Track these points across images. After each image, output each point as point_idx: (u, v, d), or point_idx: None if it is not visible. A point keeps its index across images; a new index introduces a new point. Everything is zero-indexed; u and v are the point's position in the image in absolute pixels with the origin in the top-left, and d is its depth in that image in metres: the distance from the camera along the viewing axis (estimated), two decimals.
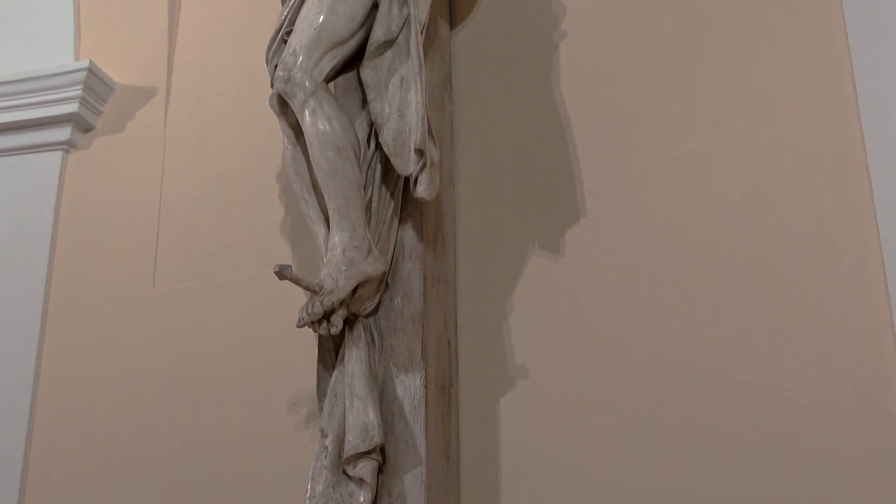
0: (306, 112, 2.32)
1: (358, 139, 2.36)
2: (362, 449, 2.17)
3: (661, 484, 2.16)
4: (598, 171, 2.45)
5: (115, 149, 3.10)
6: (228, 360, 2.70)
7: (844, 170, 2.13)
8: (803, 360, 2.07)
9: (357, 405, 2.19)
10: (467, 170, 2.61)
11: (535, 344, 2.39)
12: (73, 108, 3.07)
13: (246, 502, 2.54)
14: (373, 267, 2.27)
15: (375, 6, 2.42)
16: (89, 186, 3.07)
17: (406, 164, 2.29)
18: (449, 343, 2.42)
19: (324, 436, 2.24)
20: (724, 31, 2.38)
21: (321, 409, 2.30)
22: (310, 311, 2.21)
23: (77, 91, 3.07)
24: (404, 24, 2.39)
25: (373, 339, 2.31)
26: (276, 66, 2.42)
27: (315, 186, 2.38)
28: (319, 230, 2.37)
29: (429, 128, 2.29)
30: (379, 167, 2.38)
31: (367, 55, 2.38)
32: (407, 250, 2.38)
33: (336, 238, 2.27)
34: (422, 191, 2.27)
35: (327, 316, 2.23)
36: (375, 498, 2.19)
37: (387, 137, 2.31)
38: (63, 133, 3.11)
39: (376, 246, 2.30)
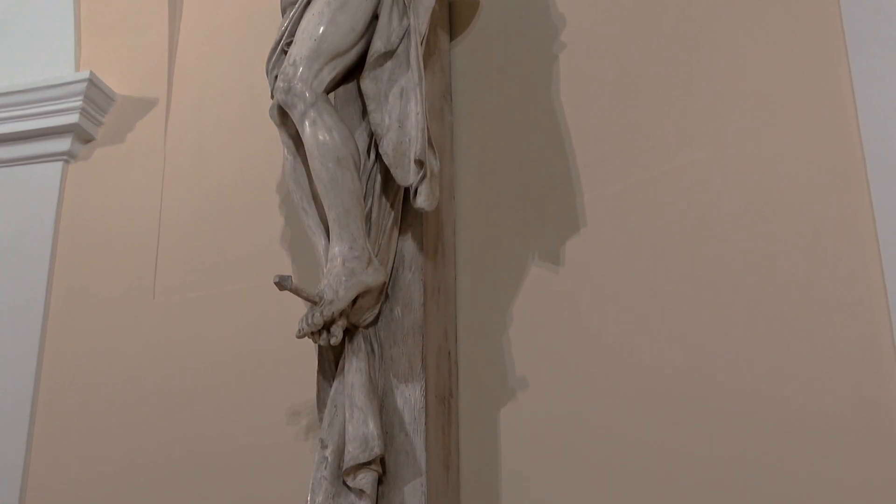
0: (306, 123, 2.33)
1: (358, 150, 2.36)
2: (362, 460, 2.16)
3: (662, 493, 2.16)
4: (597, 182, 2.45)
5: (115, 159, 3.10)
6: (228, 370, 2.69)
7: (843, 180, 2.13)
8: (803, 368, 2.07)
9: (357, 416, 2.19)
10: (467, 180, 2.61)
11: (535, 354, 2.39)
12: (73, 118, 3.08)
13: None
14: (373, 277, 2.27)
15: (375, 17, 2.42)
16: (89, 197, 3.07)
17: (406, 175, 2.29)
18: (449, 354, 2.42)
19: (324, 446, 2.24)
20: (723, 43, 2.39)
21: (321, 419, 2.30)
22: (310, 321, 2.21)
23: (77, 102, 3.08)
24: (404, 35, 2.40)
25: (373, 350, 2.31)
26: (276, 77, 2.43)
27: (315, 197, 2.38)
28: (319, 241, 2.37)
29: (429, 138, 2.29)
30: (379, 178, 2.38)
31: (367, 66, 2.38)
32: (407, 261, 2.38)
33: (336, 249, 2.27)
34: (422, 201, 2.27)
35: (327, 326, 2.23)
36: None
37: (387, 148, 2.32)
38: (63, 144, 3.11)
39: (376, 256, 2.30)
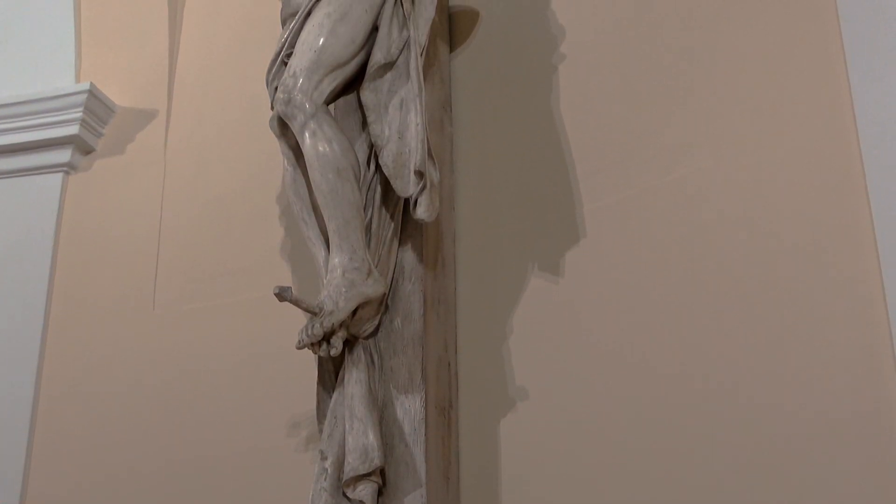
0: (306, 134, 2.33)
1: (358, 161, 2.37)
2: (362, 471, 2.16)
3: (663, 502, 2.15)
4: (597, 193, 2.45)
5: (115, 171, 3.10)
6: (228, 381, 2.69)
7: (842, 187, 2.13)
8: (804, 375, 2.07)
9: (357, 427, 2.19)
10: (467, 191, 2.61)
11: (535, 365, 2.39)
12: (73, 130, 3.08)
13: None
14: (373, 288, 2.27)
15: (375, 29, 2.43)
16: (90, 208, 3.08)
17: (406, 186, 2.30)
18: (449, 365, 2.42)
19: (323, 458, 2.23)
20: (722, 52, 2.39)
21: (321, 431, 2.29)
22: (309, 332, 2.21)
23: (78, 113, 3.08)
24: (404, 46, 2.41)
25: (373, 361, 2.30)
26: (276, 88, 2.43)
27: (315, 208, 2.38)
28: (319, 252, 2.37)
29: (428, 149, 2.29)
30: (379, 189, 2.38)
31: (367, 77, 2.39)
32: (407, 272, 2.38)
33: (336, 260, 2.27)
34: (422, 212, 2.28)
35: (327, 338, 2.23)
36: None
37: (387, 159, 2.32)
38: (63, 155, 3.11)
39: (376, 267, 2.30)
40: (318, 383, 2.35)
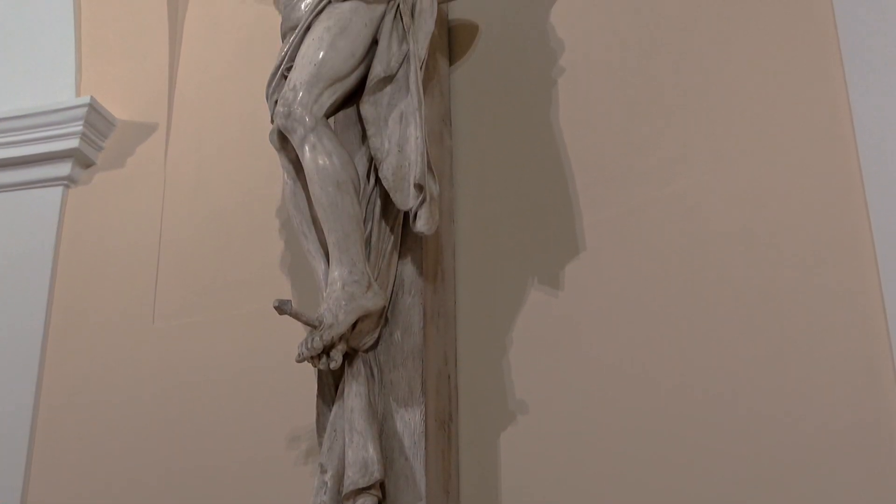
0: (306, 147, 2.33)
1: (357, 174, 2.37)
2: (362, 485, 2.15)
3: None
4: (596, 206, 2.46)
5: (115, 184, 3.11)
6: (228, 395, 2.69)
7: (841, 200, 2.13)
8: (803, 388, 2.07)
9: (357, 440, 2.19)
10: (467, 204, 2.62)
11: (535, 379, 2.39)
12: (73, 143, 3.09)
13: None
14: (372, 301, 2.27)
15: (375, 42, 2.44)
16: (89, 222, 3.08)
17: (406, 199, 2.30)
18: (449, 378, 2.42)
19: (323, 471, 2.23)
20: (721, 66, 2.39)
21: (321, 444, 2.29)
22: (309, 345, 2.21)
23: (78, 127, 3.09)
24: (404, 59, 2.41)
25: (372, 374, 2.30)
26: (276, 101, 2.43)
27: (315, 221, 2.38)
28: (319, 265, 2.37)
29: (428, 163, 2.30)
30: (378, 202, 2.39)
31: (366, 91, 2.39)
32: (406, 285, 2.38)
33: (336, 273, 2.27)
34: (421, 225, 2.28)
35: (327, 351, 2.23)
36: None
37: (386, 172, 2.32)
38: (64, 169, 3.12)
39: (376, 280, 2.31)
40: (317, 396, 2.35)
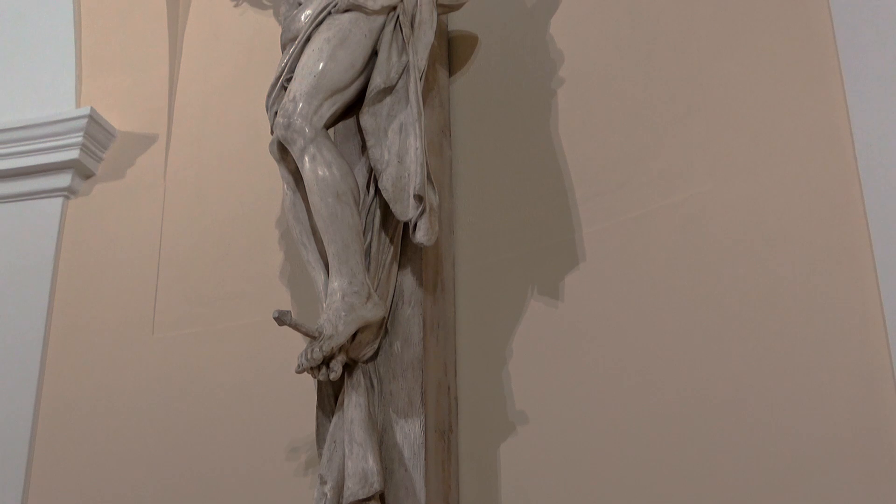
0: (306, 158, 2.33)
1: (357, 185, 2.37)
2: (362, 496, 2.15)
3: None
4: (596, 216, 2.46)
5: (115, 195, 3.11)
6: (227, 405, 2.69)
7: (841, 211, 2.14)
8: (804, 398, 2.07)
9: (356, 451, 2.18)
10: (466, 215, 2.62)
11: (534, 389, 2.39)
12: (73, 154, 3.09)
13: None
14: (372, 312, 2.27)
15: (375, 53, 2.44)
16: (89, 232, 3.08)
17: (405, 210, 2.30)
18: (448, 388, 2.41)
19: (323, 482, 2.23)
20: (720, 77, 2.40)
21: (320, 455, 2.29)
22: (309, 356, 2.20)
23: (78, 138, 3.09)
24: (403, 70, 2.42)
25: (372, 385, 2.30)
26: (276, 112, 2.44)
27: (314, 232, 2.38)
28: (319, 276, 2.37)
29: (428, 173, 2.30)
30: (378, 213, 2.39)
31: (366, 101, 2.40)
32: (406, 295, 2.38)
33: (335, 283, 2.27)
34: (421, 236, 2.28)
35: (326, 361, 2.23)
36: None
37: (386, 183, 2.33)
38: (64, 179, 3.12)
39: (375, 291, 2.31)
40: (317, 407, 2.35)
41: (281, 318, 2.18)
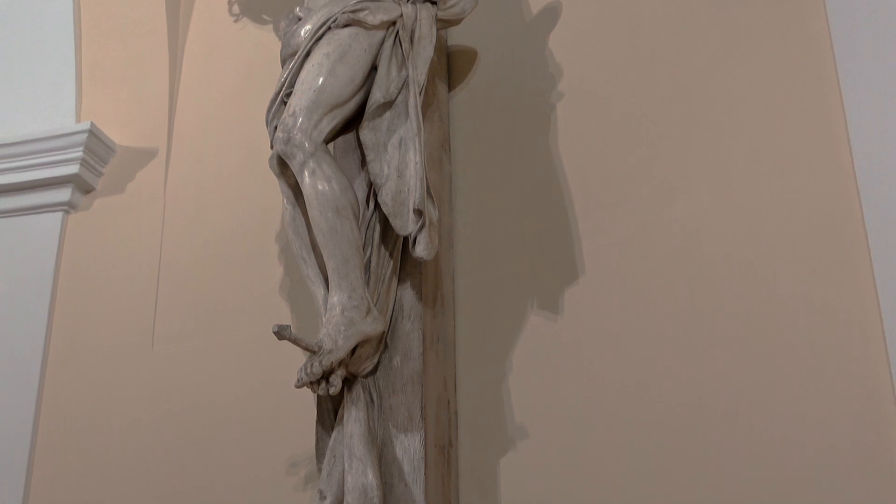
0: (306, 173, 2.34)
1: (357, 199, 2.37)
2: None
3: None
4: (595, 231, 2.46)
5: (115, 210, 3.11)
6: (227, 420, 2.68)
7: (840, 228, 2.14)
8: (803, 413, 2.07)
9: (356, 466, 2.18)
10: (466, 229, 2.62)
11: (534, 404, 2.38)
12: (73, 169, 3.09)
13: None
14: (372, 327, 2.27)
15: (374, 68, 2.45)
16: (89, 247, 3.08)
17: (405, 224, 2.30)
18: (448, 403, 2.41)
19: (322, 497, 2.22)
20: (720, 92, 2.40)
21: (320, 470, 2.28)
22: (308, 371, 2.20)
23: (78, 153, 3.09)
24: (403, 85, 2.42)
25: (372, 400, 2.30)
26: (275, 127, 2.44)
27: (314, 247, 2.38)
28: (318, 290, 2.37)
29: (427, 188, 2.30)
30: (378, 227, 2.39)
31: (366, 116, 2.40)
32: (406, 310, 2.38)
33: (335, 298, 2.27)
34: (420, 250, 2.28)
35: (326, 376, 2.22)
36: None
37: (386, 197, 2.33)
38: (63, 194, 3.12)
39: (375, 306, 2.31)
40: (316, 422, 2.34)
41: (280, 333, 2.18)
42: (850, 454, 1.99)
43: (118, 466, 2.75)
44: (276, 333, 2.18)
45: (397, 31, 2.47)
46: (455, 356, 2.49)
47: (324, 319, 2.29)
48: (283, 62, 2.55)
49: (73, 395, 2.89)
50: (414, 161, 2.33)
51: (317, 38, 2.46)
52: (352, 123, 2.47)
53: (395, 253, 2.39)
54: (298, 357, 2.37)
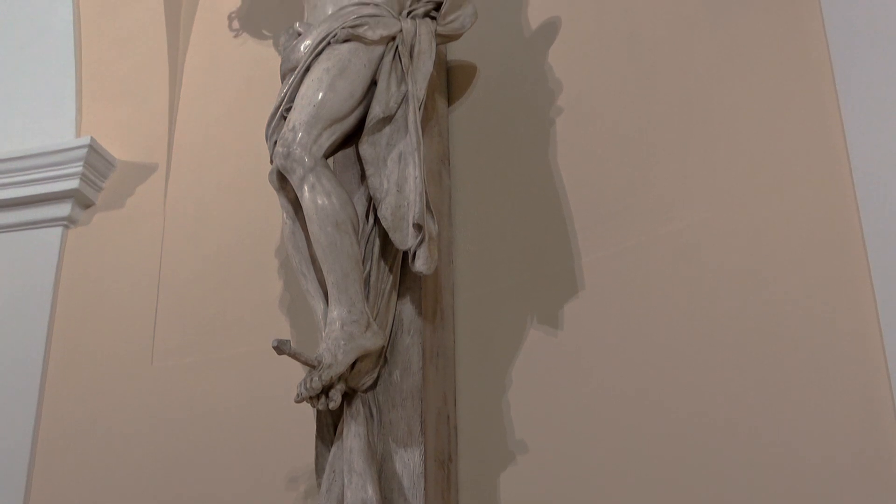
0: (305, 187, 2.34)
1: (357, 214, 2.37)
2: None
3: None
4: (594, 245, 2.46)
5: (114, 225, 3.11)
6: (226, 435, 2.68)
7: (840, 241, 2.14)
8: (805, 427, 2.06)
9: (356, 481, 2.18)
10: (465, 243, 2.62)
11: (534, 418, 2.38)
12: (73, 184, 3.10)
13: None
14: (371, 341, 2.27)
15: (374, 83, 2.45)
16: (89, 262, 3.08)
17: (405, 239, 2.30)
18: (448, 418, 2.41)
19: None
20: (719, 106, 2.41)
21: (319, 485, 2.28)
22: (308, 385, 2.20)
23: (78, 167, 3.10)
24: (402, 100, 2.43)
25: (371, 414, 2.29)
26: (275, 142, 2.44)
27: (314, 261, 2.38)
28: (318, 305, 2.37)
29: (427, 202, 2.30)
30: (377, 242, 2.39)
31: (365, 131, 2.41)
32: (405, 324, 2.38)
33: (335, 312, 2.27)
34: (420, 265, 2.28)
35: (326, 391, 2.22)
36: None
37: (385, 212, 2.33)
38: (63, 209, 3.13)
39: (375, 320, 2.30)
40: (316, 437, 2.34)
41: (280, 347, 2.18)
42: (849, 463, 1.99)
43: (117, 481, 2.75)
44: (275, 348, 2.18)
45: (397, 47, 2.47)
46: (455, 370, 2.49)
47: (323, 334, 2.29)
48: (283, 77, 2.56)
49: (72, 409, 2.89)
50: (413, 175, 2.33)
51: (316, 53, 2.47)
52: (351, 138, 2.47)
53: (394, 267, 2.39)
54: (298, 372, 2.37)
